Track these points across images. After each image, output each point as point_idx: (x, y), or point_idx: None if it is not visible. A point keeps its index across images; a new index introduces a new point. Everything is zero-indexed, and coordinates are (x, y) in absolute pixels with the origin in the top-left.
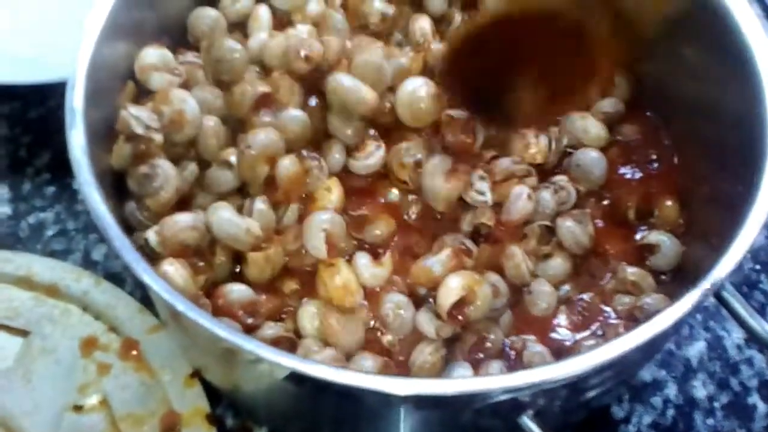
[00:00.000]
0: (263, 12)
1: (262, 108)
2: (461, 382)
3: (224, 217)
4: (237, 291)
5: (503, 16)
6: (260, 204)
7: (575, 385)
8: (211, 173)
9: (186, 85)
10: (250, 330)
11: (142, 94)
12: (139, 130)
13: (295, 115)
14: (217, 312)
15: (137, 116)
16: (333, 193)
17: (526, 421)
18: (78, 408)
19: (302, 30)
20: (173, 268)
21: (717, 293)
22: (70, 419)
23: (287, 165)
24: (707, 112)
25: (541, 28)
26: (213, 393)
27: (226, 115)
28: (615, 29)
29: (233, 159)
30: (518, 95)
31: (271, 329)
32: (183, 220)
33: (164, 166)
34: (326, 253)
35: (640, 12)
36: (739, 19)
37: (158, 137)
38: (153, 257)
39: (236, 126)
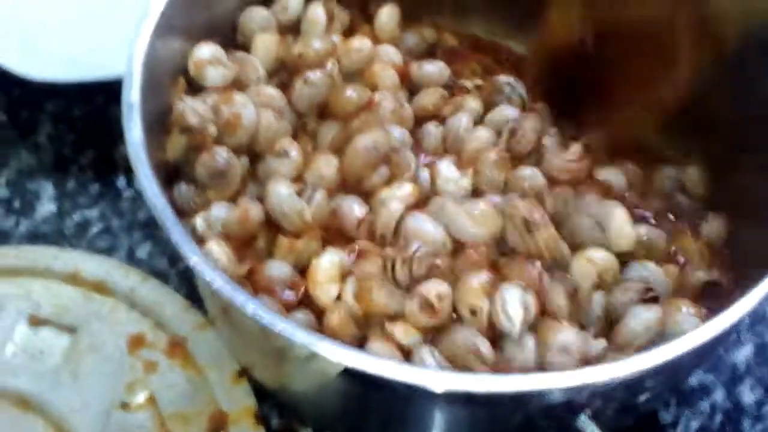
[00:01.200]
0: (318, 13)
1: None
2: (518, 379)
3: (283, 192)
4: (276, 267)
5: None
6: (321, 195)
7: (634, 386)
8: (266, 164)
9: (238, 82)
10: (289, 308)
11: (194, 91)
12: (194, 120)
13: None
14: (257, 291)
15: (192, 107)
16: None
17: (585, 420)
18: (125, 406)
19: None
20: (219, 249)
21: None
22: (118, 417)
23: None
24: None
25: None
26: (259, 392)
27: (282, 109)
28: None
29: (293, 152)
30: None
31: (301, 314)
32: (255, 207)
33: (234, 162)
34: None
35: (724, 18)
36: None
37: (213, 129)
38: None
39: (294, 119)
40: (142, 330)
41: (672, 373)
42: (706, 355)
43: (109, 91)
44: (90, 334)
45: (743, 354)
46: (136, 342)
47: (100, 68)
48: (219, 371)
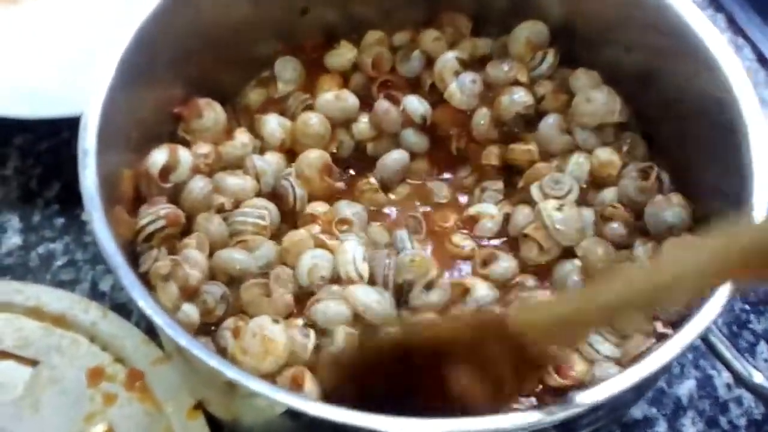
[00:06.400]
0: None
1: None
2: (455, 422)
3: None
4: None
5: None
6: None
7: (568, 426)
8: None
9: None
10: None
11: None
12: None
13: None
14: None
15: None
16: None
17: None
18: None
19: None
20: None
21: (704, 337)
22: None
23: None
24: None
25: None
26: (214, 424)
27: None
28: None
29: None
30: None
31: None
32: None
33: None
34: None
35: None
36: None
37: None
38: None
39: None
40: (102, 363)
41: (608, 410)
42: (641, 392)
43: (76, 126)
44: (51, 367)
45: (686, 388)
46: (96, 375)
47: (67, 105)
48: (176, 404)
